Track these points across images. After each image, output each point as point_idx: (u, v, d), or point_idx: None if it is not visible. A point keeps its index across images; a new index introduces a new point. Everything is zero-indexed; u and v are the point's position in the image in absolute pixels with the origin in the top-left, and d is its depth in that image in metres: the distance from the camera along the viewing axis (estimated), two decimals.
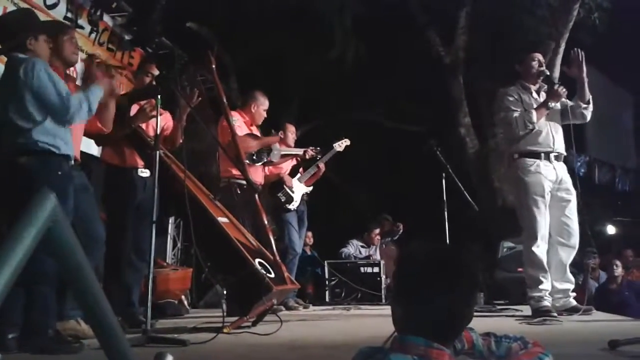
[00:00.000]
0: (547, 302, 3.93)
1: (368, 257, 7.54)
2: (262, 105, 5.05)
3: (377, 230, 8.16)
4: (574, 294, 4.13)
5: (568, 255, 4.10)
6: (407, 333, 1.25)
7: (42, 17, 4.40)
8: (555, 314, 3.80)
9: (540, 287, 3.95)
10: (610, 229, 12.28)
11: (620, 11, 8.51)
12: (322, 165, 5.81)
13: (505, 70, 8.14)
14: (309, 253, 7.54)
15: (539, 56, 4.31)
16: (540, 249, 3.97)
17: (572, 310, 3.98)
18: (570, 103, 4.25)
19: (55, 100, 2.83)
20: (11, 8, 4.69)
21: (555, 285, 4.06)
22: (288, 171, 5.72)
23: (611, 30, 8.49)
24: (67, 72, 3.48)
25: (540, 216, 3.99)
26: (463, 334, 1.31)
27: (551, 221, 4.07)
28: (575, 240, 4.09)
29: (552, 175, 4.07)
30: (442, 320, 1.24)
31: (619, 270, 6.88)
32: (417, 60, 9.15)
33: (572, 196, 4.12)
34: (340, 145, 5.82)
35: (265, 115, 5.09)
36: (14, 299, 2.65)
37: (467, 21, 8.69)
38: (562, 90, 4.11)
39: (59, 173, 2.87)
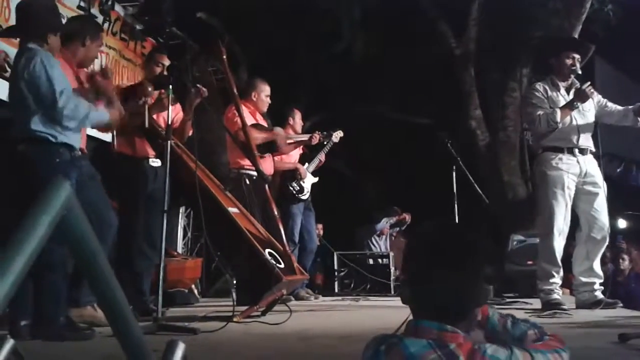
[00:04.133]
0: (557, 295, 3.92)
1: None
2: (262, 92, 5.01)
3: (385, 219, 8.16)
4: (602, 288, 4.04)
5: (596, 249, 4.02)
6: (419, 316, 1.25)
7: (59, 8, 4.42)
8: (565, 307, 3.78)
9: (551, 280, 3.93)
10: (622, 223, 12.22)
11: (634, 3, 8.41)
12: (323, 156, 5.84)
13: (513, 62, 8.15)
14: (318, 243, 7.55)
15: (576, 55, 4.17)
16: (556, 242, 3.93)
17: (597, 304, 3.90)
18: (614, 107, 4.18)
19: (46, 93, 2.81)
20: None
21: (581, 279, 4.02)
22: (297, 160, 5.73)
23: (625, 22, 8.40)
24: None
25: (559, 210, 3.95)
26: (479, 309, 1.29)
27: (581, 216, 4.04)
28: (605, 233, 4.01)
29: (575, 169, 4.02)
30: (449, 299, 1.22)
31: (625, 264, 6.89)
32: (427, 51, 9.10)
33: (600, 189, 4.05)
34: (336, 136, 5.81)
35: (268, 101, 5.05)
36: (25, 286, 2.69)
37: (479, 13, 8.62)
38: (590, 90, 4.01)
39: (57, 160, 2.89)
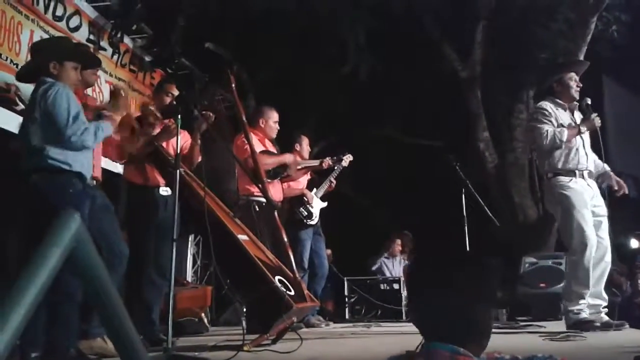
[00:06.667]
0: (586, 314, 3.89)
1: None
2: (270, 119, 5.03)
3: (398, 241, 8.12)
4: (606, 310, 4.03)
5: (602, 272, 4.01)
6: (430, 339, 1.24)
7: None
8: (599, 324, 3.79)
9: (581, 301, 3.91)
10: (634, 243, 12.08)
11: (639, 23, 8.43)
12: (333, 181, 5.84)
13: (520, 83, 8.18)
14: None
15: (575, 76, 4.25)
16: (590, 262, 3.88)
17: (604, 326, 3.88)
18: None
19: (64, 121, 2.85)
20: (37, 31, 4.80)
21: (587, 300, 3.98)
22: (305, 186, 5.73)
23: (631, 42, 8.42)
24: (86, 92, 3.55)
25: (588, 227, 3.91)
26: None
27: None
28: (609, 256, 4.02)
29: (588, 192, 4.04)
30: (456, 323, 1.22)
31: None
32: (433, 74, 9.15)
33: (604, 217, 4.07)
34: (346, 160, 5.82)
35: (277, 128, 5.08)
36: (37, 318, 2.68)
37: (484, 35, 8.69)
38: (597, 122, 4.10)
39: (70, 191, 2.90)
